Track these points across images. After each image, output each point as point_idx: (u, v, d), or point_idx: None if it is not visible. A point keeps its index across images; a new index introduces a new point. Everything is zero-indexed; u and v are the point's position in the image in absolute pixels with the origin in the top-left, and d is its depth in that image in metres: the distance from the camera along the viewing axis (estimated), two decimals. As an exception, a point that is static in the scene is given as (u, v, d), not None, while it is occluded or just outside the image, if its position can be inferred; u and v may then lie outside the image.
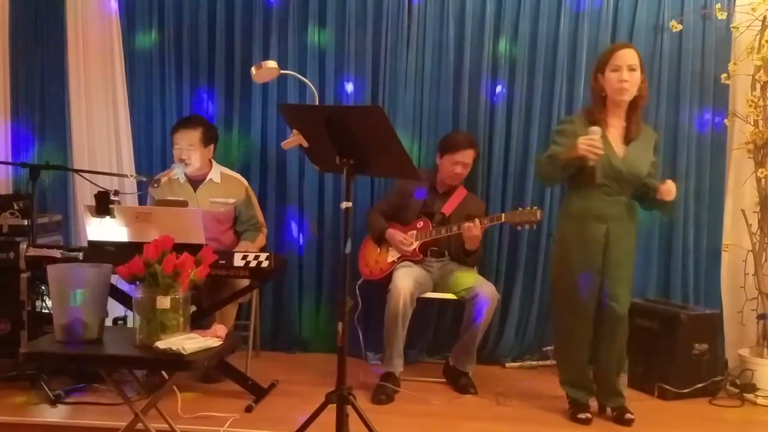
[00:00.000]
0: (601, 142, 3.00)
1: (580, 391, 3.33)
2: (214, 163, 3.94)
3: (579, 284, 3.17)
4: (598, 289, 3.21)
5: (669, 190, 3.10)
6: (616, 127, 3.17)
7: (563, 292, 3.27)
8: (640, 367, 3.60)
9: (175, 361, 2.39)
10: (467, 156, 3.79)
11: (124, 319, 3.74)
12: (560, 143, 3.18)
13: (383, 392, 3.49)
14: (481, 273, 3.93)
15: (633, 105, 3.15)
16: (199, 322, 3.07)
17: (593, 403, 3.35)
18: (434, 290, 3.82)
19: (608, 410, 3.32)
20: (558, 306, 3.36)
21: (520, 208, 3.64)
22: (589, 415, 3.28)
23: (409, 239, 3.77)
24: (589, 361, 3.32)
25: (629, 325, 3.29)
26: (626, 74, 3.07)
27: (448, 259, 3.86)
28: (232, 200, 3.88)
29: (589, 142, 2.98)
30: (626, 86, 3.08)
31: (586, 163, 3.02)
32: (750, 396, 3.64)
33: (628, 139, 3.16)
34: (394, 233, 3.81)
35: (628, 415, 3.22)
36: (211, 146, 3.89)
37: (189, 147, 3.77)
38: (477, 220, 3.60)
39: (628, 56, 3.10)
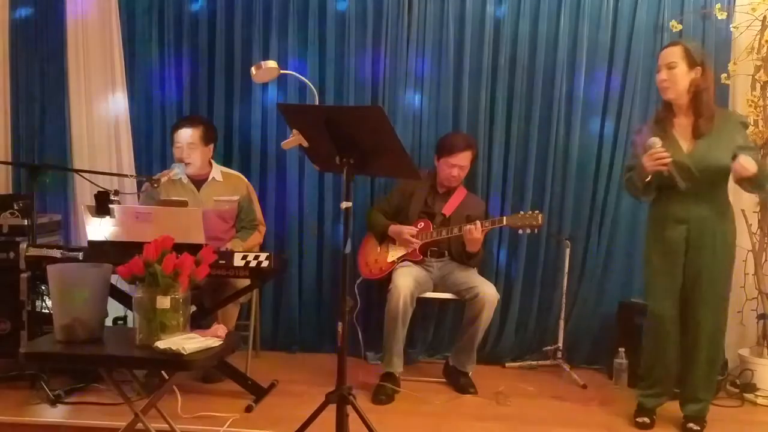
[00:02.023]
0: (663, 149, 2.94)
1: (649, 397, 3.28)
2: (214, 163, 3.94)
3: None
4: (679, 295, 3.15)
5: (742, 166, 2.85)
6: (684, 125, 3.11)
7: (648, 296, 3.23)
8: (640, 367, 3.59)
9: (175, 361, 2.39)
10: (463, 158, 3.79)
11: (124, 319, 3.75)
12: (636, 154, 3.17)
13: (383, 392, 3.49)
14: (481, 273, 3.93)
15: (697, 99, 3.07)
16: (199, 322, 3.07)
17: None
18: (434, 290, 3.83)
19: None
20: (648, 310, 3.28)
21: (522, 212, 3.64)
22: (647, 420, 3.23)
23: (416, 231, 3.77)
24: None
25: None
26: (664, 73, 3.05)
27: (448, 259, 3.85)
28: (236, 197, 3.89)
29: (651, 157, 2.95)
30: (665, 85, 3.06)
31: (663, 176, 2.98)
32: (750, 396, 3.63)
33: (697, 134, 3.07)
34: (400, 228, 3.81)
35: (691, 425, 3.17)
36: (211, 146, 3.89)
37: (190, 145, 3.77)
38: (478, 223, 3.60)
39: (667, 55, 3.06)
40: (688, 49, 3.06)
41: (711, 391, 3.25)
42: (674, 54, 3.05)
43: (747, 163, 2.85)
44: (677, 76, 3.04)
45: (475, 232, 3.58)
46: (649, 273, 3.23)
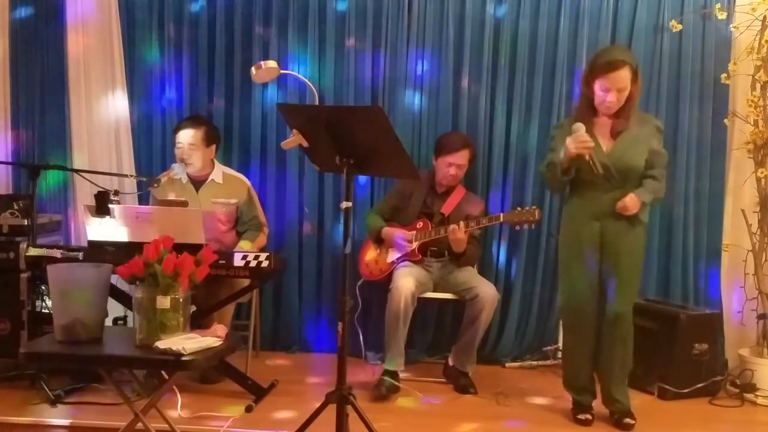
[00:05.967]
0: (587, 135, 3.00)
1: (581, 393, 3.32)
2: (216, 164, 3.94)
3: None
4: (598, 291, 3.20)
5: (625, 205, 3.05)
6: (603, 124, 3.16)
7: (564, 293, 3.28)
8: (640, 367, 3.60)
9: (175, 361, 2.39)
10: (461, 157, 3.79)
11: (124, 319, 3.74)
12: (554, 149, 3.21)
13: (383, 384, 3.49)
14: (481, 273, 3.93)
15: (626, 103, 3.11)
16: (198, 322, 3.07)
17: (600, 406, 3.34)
18: (434, 290, 3.82)
19: (610, 414, 3.29)
20: (562, 307, 3.36)
21: (519, 208, 3.64)
22: (588, 417, 3.27)
23: (409, 234, 3.77)
24: (595, 364, 3.31)
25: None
26: (614, 96, 3.06)
27: (448, 259, 3.85)
28: (234, 200, 3.87)
29: (576, 139, 3.00)
30: (613, 106, 3.08)
31: (584, 161, 3.02)
32: (750, 396, 3.64)
33: (614, 133, 3.13)
34: (390, 230, 3.82)
35: (627, 420, 3.20)
36: (213, 146, 3.89)
37: (191, 146, 3.77)
38: (461, 223, 3.60)
39: (620, 80, 3.03)
40: (632, 67, 3.07)
41: (626, 392, 3.29)
42: (625, 79, 3.05)
43: (630, 204, 3.05)
44: (623, 97, 3.08)
45: (458, 232, 3.58)
46: (566, 270, 3.27)
